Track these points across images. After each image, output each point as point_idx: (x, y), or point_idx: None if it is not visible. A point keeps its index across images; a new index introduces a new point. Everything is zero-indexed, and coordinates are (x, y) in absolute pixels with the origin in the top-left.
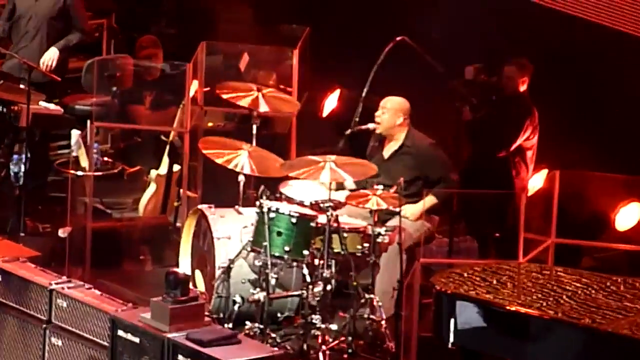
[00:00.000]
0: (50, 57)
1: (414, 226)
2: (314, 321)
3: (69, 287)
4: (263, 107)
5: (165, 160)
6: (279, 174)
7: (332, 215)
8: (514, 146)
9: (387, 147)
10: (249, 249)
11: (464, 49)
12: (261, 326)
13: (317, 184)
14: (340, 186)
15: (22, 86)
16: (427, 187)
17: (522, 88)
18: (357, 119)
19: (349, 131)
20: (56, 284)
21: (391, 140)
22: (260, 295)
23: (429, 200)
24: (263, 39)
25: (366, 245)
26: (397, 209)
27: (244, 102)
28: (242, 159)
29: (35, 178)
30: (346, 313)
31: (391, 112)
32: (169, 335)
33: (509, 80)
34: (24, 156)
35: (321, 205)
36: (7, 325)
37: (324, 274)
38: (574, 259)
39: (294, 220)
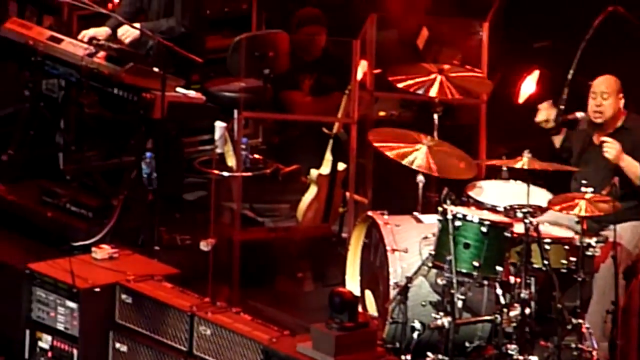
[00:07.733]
0: (128, 31)
1: (633, 240)
2: (509, 352)
3: (213, 312)
4: (445, 93)
5: (328, 157)
6: (463, 175)
7: (531, 223)
8: None
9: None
10: (430, 264)
11: None
12: (446, 358)
13: (512, 185)
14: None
15: (155, 70)
16: None
17: None
18: (562, 107)
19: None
20: (198, 307)
21: (607, 130)
22: (445, 321)
23: None
24: (445, 10)
25: (573, 259)
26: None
27: (423, 89)
28: (419, 155)
29: (172, 180)
30: (549, 342)
31: (613, 95)
32: None
33: None
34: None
35: (518, 211)
36: (140, 358)
37: (522, 295)
38: None
39: (484, 229)
